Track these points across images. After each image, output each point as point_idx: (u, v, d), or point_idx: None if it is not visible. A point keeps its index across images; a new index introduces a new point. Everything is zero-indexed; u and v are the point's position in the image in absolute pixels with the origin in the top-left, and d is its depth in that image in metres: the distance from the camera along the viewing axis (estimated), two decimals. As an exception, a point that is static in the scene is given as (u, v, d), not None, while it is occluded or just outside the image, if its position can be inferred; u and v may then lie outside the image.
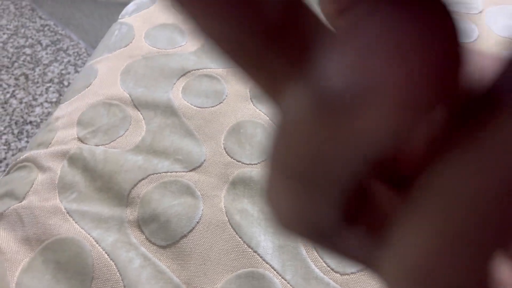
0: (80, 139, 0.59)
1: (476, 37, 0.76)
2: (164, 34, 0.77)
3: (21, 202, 0.52)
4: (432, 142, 0.08)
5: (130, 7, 0.85)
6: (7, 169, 0.58)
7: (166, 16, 0.80)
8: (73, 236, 0.49)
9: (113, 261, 0.48)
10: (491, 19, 0.79)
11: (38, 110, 1.38)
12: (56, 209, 0.51)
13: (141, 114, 0.63)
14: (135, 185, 0.54)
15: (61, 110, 0.64)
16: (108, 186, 0.54)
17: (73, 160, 0.56)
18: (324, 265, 0.49)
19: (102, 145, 0.59)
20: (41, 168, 0.56)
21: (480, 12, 0.81)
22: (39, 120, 1.35)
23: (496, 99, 0.07)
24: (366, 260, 0.09)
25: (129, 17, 0.81)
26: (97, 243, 0.49)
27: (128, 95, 0.65)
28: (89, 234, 0.50)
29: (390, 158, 0.10)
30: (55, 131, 0.61)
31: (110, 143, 0.59)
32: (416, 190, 0.08)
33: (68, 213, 0.51)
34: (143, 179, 0.55)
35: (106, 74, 0.68)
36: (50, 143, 0.59)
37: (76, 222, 0.50)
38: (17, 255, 0.48)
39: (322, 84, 0.07)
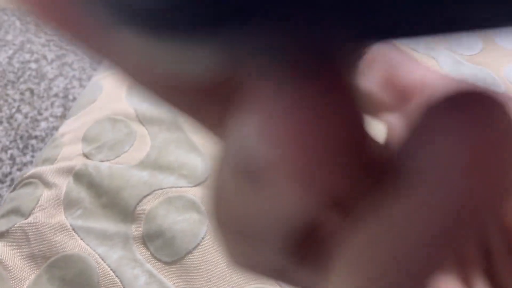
0: (86, 155, 0.59)
1: (480, 49, 0.76)
2: (168, 49, 0.77)
3: (27, 218, 0.52)
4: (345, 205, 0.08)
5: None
6: (14, 185, 0.58)
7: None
8: (78, 253, 0.49)
9: (118, 278, 0.48)
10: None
11: (43, 124, 1.39)
12: (61, 226, 0.51)
13: (146, 129, 0.63)
14: (140, 201, 0.54)
15: (67, 126, 0.65)
16: (114, 202, 0.54)
17: (79, 176, 0.56)
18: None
19: (107, 160, 0.59)
20: (47, 184, 0.56)
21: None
22: (44, 135, 1.36)
23: (398, 165, 0.07)
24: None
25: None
26: (102, 260, 0.49)
27: (133, 111, 0.65)
28: (94, 250, 0.50)
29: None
30: (60, 147, 0.61)
31: (115, 158, 0.59)
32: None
33: (73, 229, 0.51)
34: (148, 194, 0.55)
35: (112, 89, 0.69)
36: (56, 159, 0.59)
37: (81, 239, 0.50)
38: (23, 272, 0.48)
39: (237, 149, 0.07)
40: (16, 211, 0.53)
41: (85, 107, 0.67)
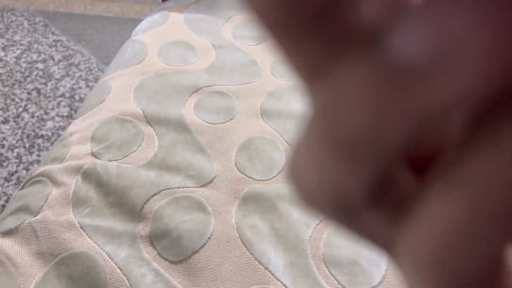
0: (94, 155, 0.60)
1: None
2: (176, 51, 0.78)
3: (35, 216, 0.53)
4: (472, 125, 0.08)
5: (143, 24, 0.87)
6: (22, 183, 0.59)
7: (178, 34, 0.82)
8: (86, 251, 0.50)
9: (125, 276, 0.48)
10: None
11: (49, 124, 1.40)
12: (70, 224, 0.52)
13: (153, 130, 0.64)
14: (148, 200, 0.55)
15: (75, 126, 0.66)
16: (121, 201, 0.55)
17: (87, 175, 0.57)
18: (335, 282, 0.49)
19: (115, 160, 0.59)
20: (56, 183, 0.56)
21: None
22: (50, 134, 1.37)
23: None
24: (386, 242, 0.09)
25: (142, 34, 0.83)
26: (110, 258, 0.49)
27: (141, 111, 0.66)
28: (102, 249, 0.50)
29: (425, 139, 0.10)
30: (69, 146, 0.62)
31: (123, 158, 0.60)
32: (439, 173, 0.08)
33: (81, 227, 0.52)
34: (155, 194, 0.55)
35: (120, 90, 0.70)
36: (64, 158, 0.60)
37: (89, 237, 0.51)
38: (31, 269, 0.49)
39: (397, 50, 0.07)
40: (24, 209, 0.54)
41: (93, 107, 0.68)
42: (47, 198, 0.55)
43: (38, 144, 1.34)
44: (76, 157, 0.59)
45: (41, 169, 0.58)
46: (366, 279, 0.49)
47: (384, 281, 0.49)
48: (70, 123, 1.43)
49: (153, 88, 0.70)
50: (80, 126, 0.65)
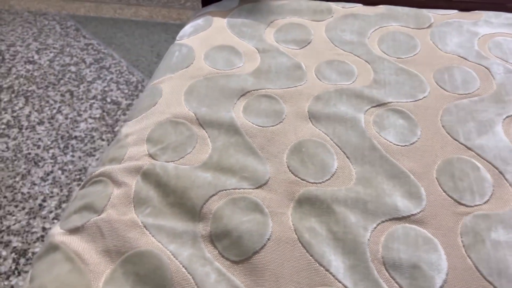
0: (151, 156, 0.61)
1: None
2: (222, 55, 0.79)
3: (100, 215, 0.54)
4: None
5: (187, 29, 0.88)
6: (83, 183, 0.60)
7: (222, 38, 0.83)
8: (151, 249, 0.51)
9: (190, 275, 0.49)
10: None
11: (82, 125, 1.42)
12: (133, 223, 0.53)
13: (206, 132, 0.65)
14: (207, 201, 0.56)
15: (129, 128, 0.67)
16: (181, 202, 0.56)
17: (147, 175, 0.58)
18: (396, 285, 0.49)
19: (172, 161, 0.61)
20: (116, 182, 0.58)
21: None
22: (83, 135, 1.39)
23: None
24: None
25: (187, 38, 0.84)
26: (174, 256, 0.51)
27: (193, 114, 0.67)
28: (166, 248, 0.51)
29: None
30: (126, 147, 0.63)
31: (179, 159, 0.61)
32: None
33: (145, 227, 0.53)
34: (213, 195, 0.56)
35: (171, 93, 0.71)
36: (123, 159, 0.61)
37: (153, 236, 0.52)
38: (99, 266, 0.50)
39: None
40: (89, 208, 0.55)
41: (146, 110, 0.69)
42: (110, 198, 0.56)
43: (72, 145, 1.37)
44: (134, 158, 0.61)
45: (101, 169, 0.60)
46: (427, 282, 0.49)
47: (445, 285, 0.49)
48: (102, 124, 1.46)
49: (203, 91, 0.71)
50: (135, 128, 0.66)
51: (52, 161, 1.32)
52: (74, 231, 0.54)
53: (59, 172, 1.29)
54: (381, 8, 0.91)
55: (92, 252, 0.51)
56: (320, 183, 0.59)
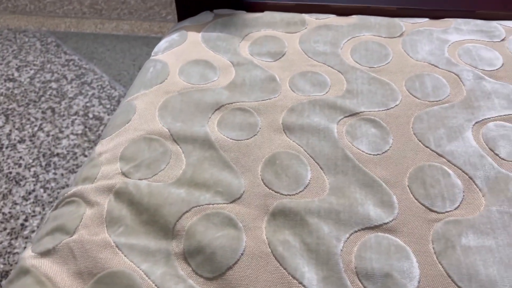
0: (124, 174, 0.61)
1: (501, 65, 0.77)
2: (196, 70, 0.80)
3: (72, 236, 0.54)
4: None
5: (162, 44, 0.89)
6: (55, 204, 0.60)
7: (197, 53, 0.84)
8: (123, 269, 0.51)
9: (163, 294, 0.49)
10: (514, 49, 0.81)
11: (64, 142, 1.42)
12: (105, 243, 0.53)
13: (180, 148, 0.65)
14: (180, 217, 0.56)
15: (103, 146, 0.67)
16: (154, 219, 0.56)
17: (119, 194, 0.58)
18: (369, 295, 0.49)
19: (145, 179, 0.61)
20: (89, 202, 0.58)
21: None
22: (66, 152, 1.38)
23: None
24: None
25: (162, 54, 0.85)
26: (146, 276, 0.50)
27: (167, 130, 0.67)
28: (138, 267, 0.51)
29: None
30: (99, 166, 0.63)
31: (152, 177, 0.61)
32: None
33: (117, 246, 0.53)
34: (187, 211, 0.57)
35: (145, 110, 0.71)
36: (96, 178, 0.61)
37: (125, 256, 0.52)
38: (71, 288, 0.50)
39: None
40: (60, 229, 0.55)
41: (119, 127, 0.69)
42: (82, 218, 0.56)
43: (54, 163, 1.36)
44: (107, 177, 0.61)
45: (74, 189, 0.60)
46: (399, 291, 0.50)
47: (417, 292, 0.50)
48: (85, 140, 1.45)
49: (177, 107, 0.72)
50: (108, 146, 0.66)
51: (34, 179, 1.31)
52: (46, 253, 0.54)
53: (41, 190, 1.28)
54: (354, 19, 0.92)
55: (63, 275, 0.51)
56: (294, 195, 0.59)
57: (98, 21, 1.95)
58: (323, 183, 0.61)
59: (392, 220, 0.56)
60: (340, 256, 0.53)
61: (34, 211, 1.20)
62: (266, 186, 0.60)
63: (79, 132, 1.46)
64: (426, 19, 0.91)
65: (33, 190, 1.28)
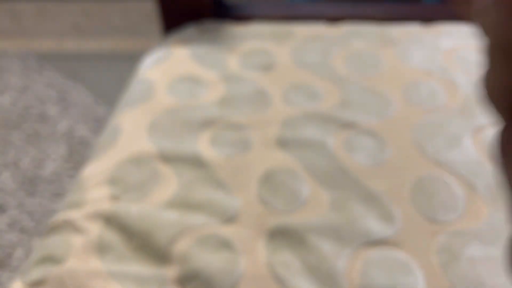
0: (113, 198, 0.58)
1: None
2: (184, 86, 0.78)
3: (62, 266, 0.51)
4: None
5: (147, 61, 0.87)
6: (44, 232, 0.57)
7: (184, 68, 0.82)
8: (117, 300, 0.48)
9: (160, 324, 0.46)
10: None
11: (50, 165, 1.38)
12: (97, 271, 0.50)
13: (170, 168, 0.63)
14: (173, 241, 0.53)
15: (90, 169, 0.64)
16: (146, 244, 0.53)
17: (109, 219, 0.55)
18: (376, 314, 0.47)
19: (136, 202, 0.58)
20: (78, 229, 0.55)
21: None
22: (51, 176, 1.35)
23: None
24: None
25: (147, 71, 0.83)
26: (141, 305, 0.48)
27: (156, 150, 0.65)
28: (132, 296, 0.48)
29: None
30: (86, 190, 0.60)
31: (143, 199, 0.59)
32: None
33: (109, 274, 0.50)
34: (180, 235, 0.54)
35: (132, 130, 0.69)
36: (84, 203, 0.58)
37: (118, 283, 0.49)
38: (61, 323, 0.47)
39: None
40: (49, 258, 0.52)
41: (106, 149, 0.67)
42: (71, 246, 0.53)
43: (39, 187, 1.32)
44: (95, 202, 0.58)
45: (62, 216, 0.57)
46: (407, 308, 0.48)
47: (425, 309, 0.48)
48: (70, 163, 1.41)
49: (165, 125, 0.69)
50: (95, 169, 0.63)
51: (18, 206, 1.27)
52: (35, 284, 0.51)
53: (27, 217, 1.24)
54: (344, 28, 0.91)
55: (53, 308, 0.48)
56: (292, 212, 0.57)
57: (80, 40, 1.92)
58: (321, 198, 0.59)
59: (394, 233, 0.54)
60: (343, 274, 0.50)
61: (20, 240, 1.16)
62: (262, 204, 0.58)
63: (65, 154, 1.43)
64: (417, 25, 0.91)
65: (18, 218, 1.25)
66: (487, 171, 0.60)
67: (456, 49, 0.83)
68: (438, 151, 0.63)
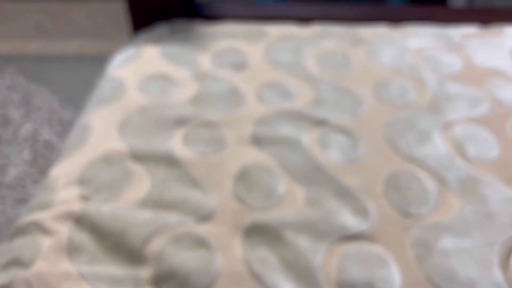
0: (84, 198, 0.57)
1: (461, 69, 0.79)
2: (155, 85, 0.76)
3: (29, 269, 0.49)
4: None
5: (116, 60, 0.85)
6: (10, 235, 0.54)
7: (155, 67, 0.80)
8: (89, 302, 0.46)
9: (135, 325, 0.45)
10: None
11: (13, 171, 1.33)
12: (68, 273, 0.48)
13: (143, 167, 0.62)
14: (147, 241, 0.52)
15: (58, 169, 0.62)
16: (119, 245, 0.52)
17: (80, 220, 0.54)
18: (354, 307, 0.48)
19: (107, 202, 0.56)
20: (47, 231, 0.53)
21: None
22: (15, 182, 1.30)
23: None
24: None
25: (117, 70, 0.81)
26: (115, 306, 0.46)
27: (128, 149, 0.63)
28: (106, 297, 0.47)
29: None
30: (55, 191, 0.58)
31: (115, 199, 0.57)
32: None
33: (81, 276, 0.48)
34: (154, 234, 0.53)
35: (102, 129, 0.67)
36: (53, 204, 0.56)
37: (90, 285, 0.48)
38: (30, 328, 0.45)
39: None
40: (16, 262, 0.50)
41: (75, 149, 0.64)
42: (40, 249, 0.51)
43: (1, 193, 1.27)
44: (65, 202, 0.56)
45: (29, 217, 0.55)
46: (384, 300, 0.48)
47: (402, 301, 0.48)
48: (35, 167, 1.37)
49: (137, 124, 0.68)
50: (64, 170, 0.61)
51: (-20, 211, 1.22)
52: (0, 290, 0.48)
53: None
54: (315, 28, 0.92)
55: (21, 313, 0.46)
56: (268, 209, 0.57)
57: (44, 41, 1.87)
58: (296, 195, 0.59)
59: (369, 228, 0.55)
60: (320, 269, 0.50)
61: (-19, 246, 1.11)
62: (237, 201, 0.58)
63: (29, 159, 1.38)
64: (387, 26, 0.93)
65: (-20, 224, 1.19)
66: (457, 165, 0.62)
67: (424, 48, 0.85)
68: (409, 146, 0.65)
